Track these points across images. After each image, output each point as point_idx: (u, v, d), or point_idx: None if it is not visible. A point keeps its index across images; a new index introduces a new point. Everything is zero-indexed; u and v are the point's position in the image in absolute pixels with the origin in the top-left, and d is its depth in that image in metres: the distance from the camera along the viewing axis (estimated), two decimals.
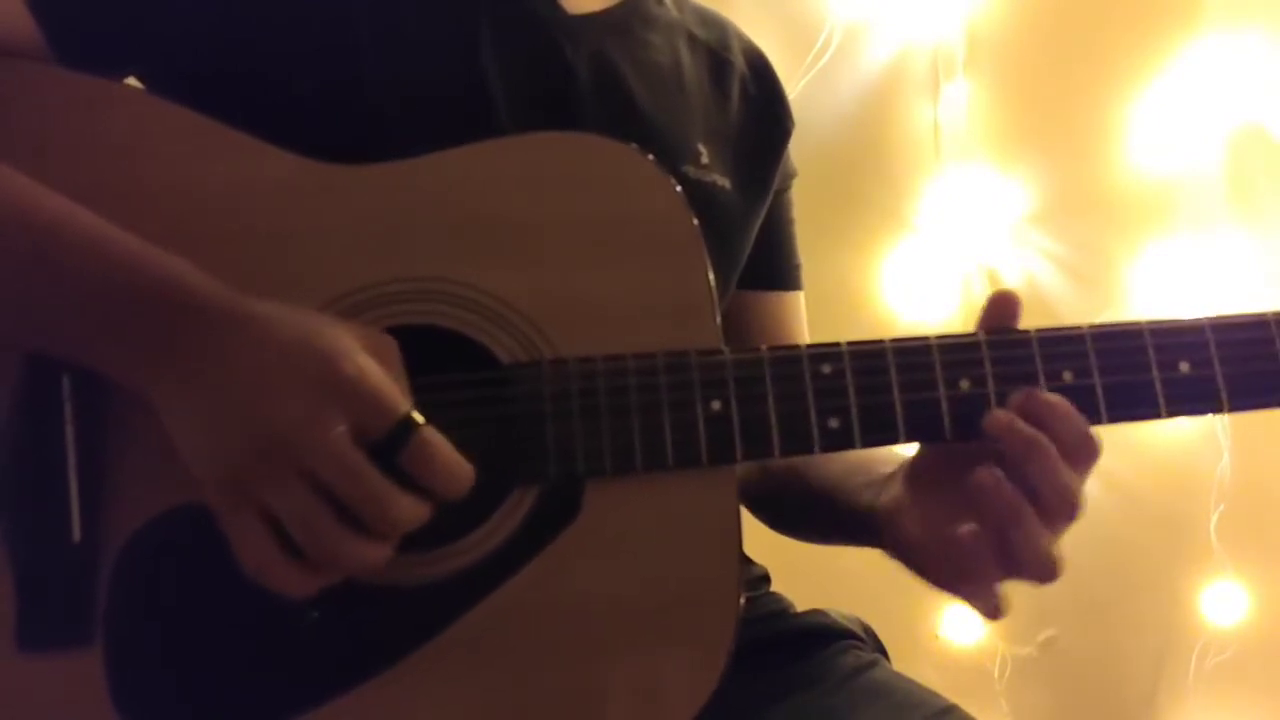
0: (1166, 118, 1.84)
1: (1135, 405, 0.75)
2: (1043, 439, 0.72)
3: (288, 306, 0.70)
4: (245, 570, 0.67)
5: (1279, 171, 1.85)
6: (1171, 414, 0.76)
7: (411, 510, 0.67)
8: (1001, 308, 0.78)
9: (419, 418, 0.67)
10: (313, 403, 0.66)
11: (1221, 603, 1.91)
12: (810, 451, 0.75)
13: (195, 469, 0.69)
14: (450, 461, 0.68)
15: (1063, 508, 0.73)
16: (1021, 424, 0.73)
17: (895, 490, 0.83)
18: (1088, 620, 1.94)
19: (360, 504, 0.66)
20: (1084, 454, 0.73)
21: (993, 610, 0.76)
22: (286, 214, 0.77)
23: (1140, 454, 1.83)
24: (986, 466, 0.73)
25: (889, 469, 0.85)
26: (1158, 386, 0.75)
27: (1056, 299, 1.85)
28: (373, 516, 0.66)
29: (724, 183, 0.95)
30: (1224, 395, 0.76)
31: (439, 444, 0.68)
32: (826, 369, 0.75)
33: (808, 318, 1.11)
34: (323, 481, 0.65)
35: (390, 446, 0.66)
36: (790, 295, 1.10)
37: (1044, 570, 0.73)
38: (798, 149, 1.10)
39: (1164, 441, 1.86)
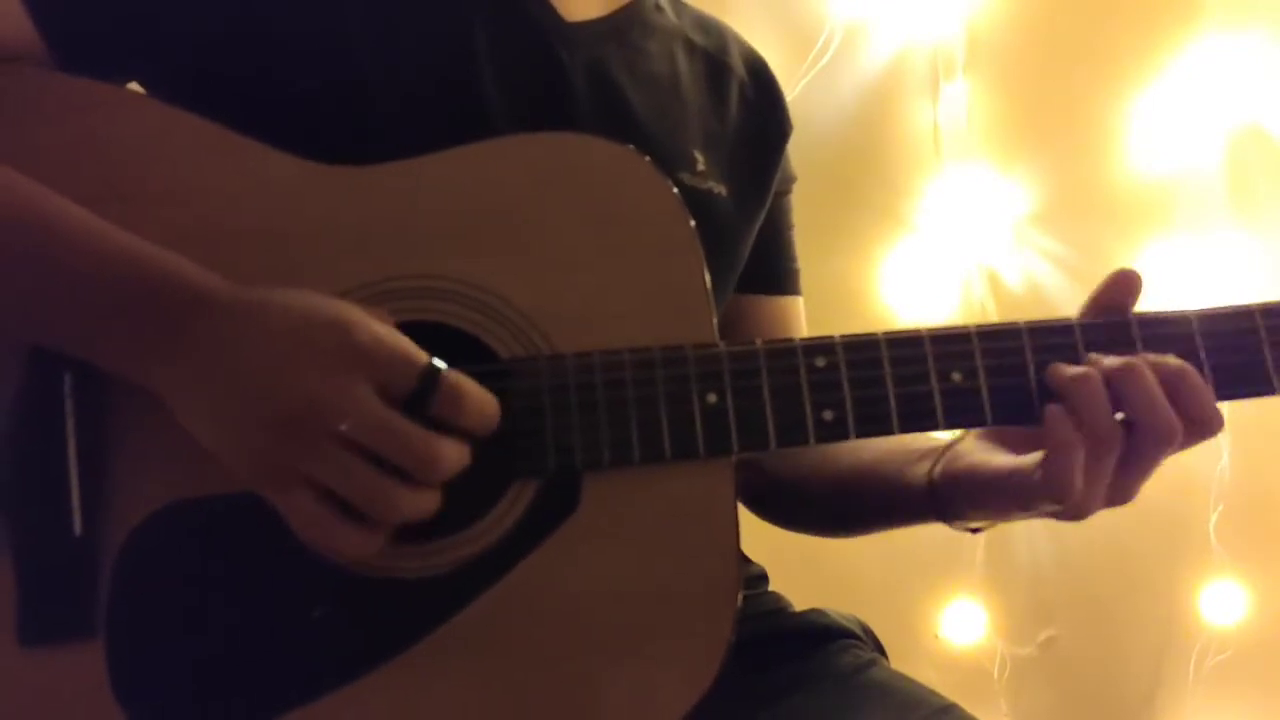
0: (1166, 118, 1.84)
1: None
2: (1137, 362, 0.73)
3: (289, 290, 0.71)
4: (308, 543, 0.69)
5: (1279, 171, 1.85)
6: None
7: (454, 452, 0.69)
8: (1120, 287, 0.78)
9: (440, 364, 0.69)
10: (336, 371, 0.67)
11: (1221, 603, 1.91)
12: (806, 443, 0.76)
13: (226, 457, 0.70)
14: (480, 398, 0.70)
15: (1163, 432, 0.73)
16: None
17: (965, 445, 0.84)
18: (1087, 620, 1.94)
19: (405, 456, 0.67)
20: (1184, 388, 0.74)
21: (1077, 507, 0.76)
22: (286, 215, 0.78)
23: None
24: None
25: (938, 442, 0.86)
26: None
27: (1056, 299, 1.85)
28: (419, 465, 0.68)
29: (720, 190, 0.96)
30: (1212, 385, 0.76)
31: (465, 384, 0.70)
32: (820, 362, 0.76)
33: (808, 317, 1.11)
34: (362, 444, 0.67)
35: (420, 397, 0.68)
36: (788, 299, 1.10)
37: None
38: (798, 149, 1.10)
39: None
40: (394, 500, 0.68)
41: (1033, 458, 0.76)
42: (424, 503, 0.69)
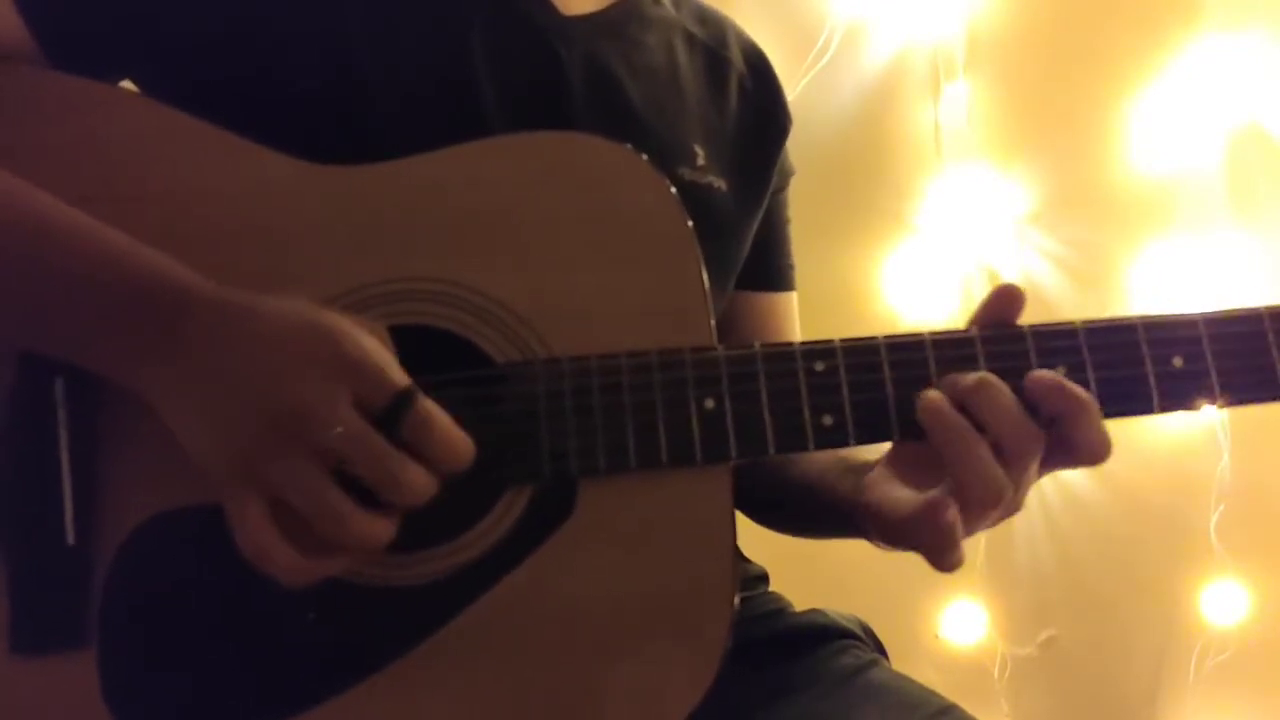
0: (1166, 118, 1.84)
1: (1129, 400, 0.75)
2: (968, 431, 0.72)
3: (281, 296, 0.71)
4: (242, 552, 0.67)
5: (1279, 171, 1.85)
6: (1165, 409, 0.76)
7: (419, 478, 0.68)
8: (1003, 302, 0.77)
9: (418, 391, 0.68)
10: (317, 380, 0.67)
11: (1221, 603, 1.91)
12: (805, 449, 0.75)
13: (201, 459, 0.69)
14: (449, 432, 0.69)
15: (986, 497, 0.72)
16: (949, 413, 0.73)
17: (875, 471, 0.83)
18: (1088, 620, 1.94)
19: (373, 469, 0.67)
20: (1020, 444, 0.73)
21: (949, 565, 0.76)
22: (280, 216, 0.77)
23: (1140, 454, 1.83)
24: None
25: (869, 455, 0.85)
26: (1151, 381, 0.75)
27: (1056, 299, 1.85)
28: (384, 481, 0.67)
29: (720, 184, 0.95)
30: (1217, 389, 0.76)
31: (437, 414, 0.69)
32: (820, 366, 0.75)
33: (809, 318, 1.11)
34: (333, 453, 0.66)
35: (391, 418, 0.67)
36: (783, 296, 1.10)
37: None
38: (798, 149, 1.10)
39: (1164, 441, 1.85)
40: (350, 523, 0.66)
41: (912, 507, 0.76)
42: (377, 530, 0.68)
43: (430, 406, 0.69)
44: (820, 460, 0.93)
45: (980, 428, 0.73)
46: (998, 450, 0.73)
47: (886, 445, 0.82)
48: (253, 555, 0.67)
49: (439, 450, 0.69)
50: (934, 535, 0.74)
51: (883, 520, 0.80)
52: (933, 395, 0.73)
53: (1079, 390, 0.73)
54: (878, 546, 0.85)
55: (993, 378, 0.73)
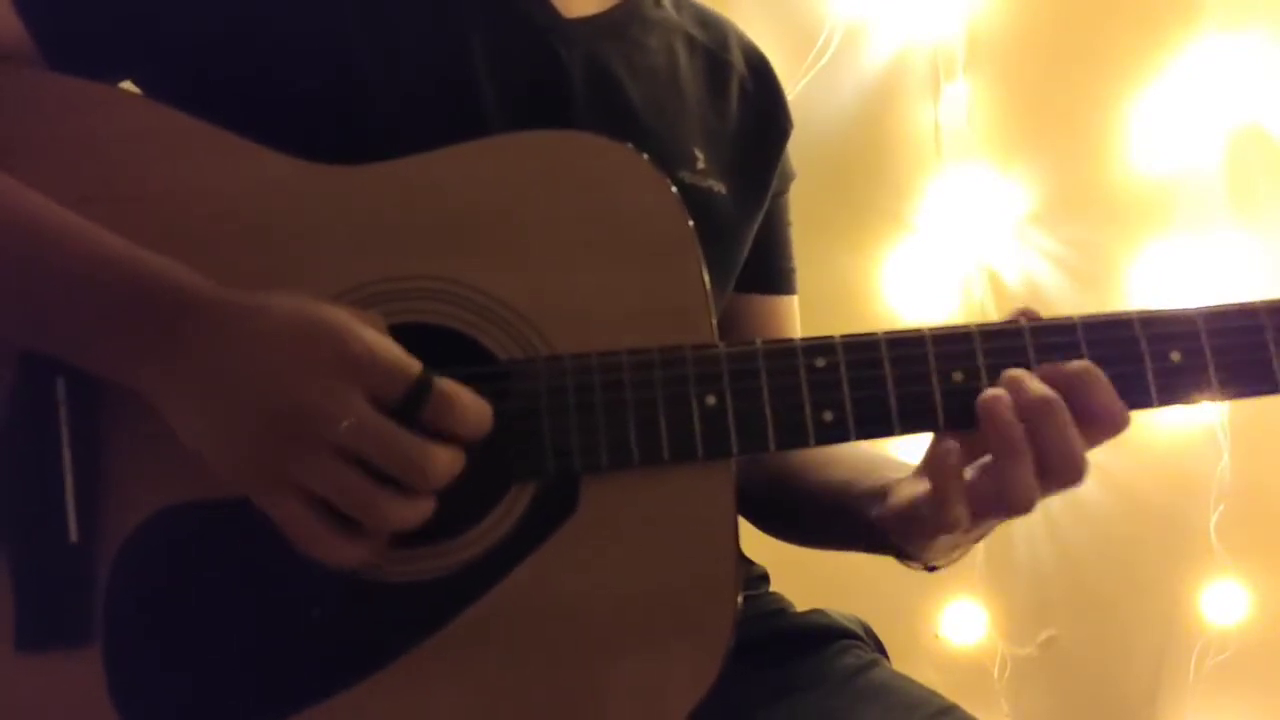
0: (1166, 118, 1.84)
1: (1128, 394, 0.75)
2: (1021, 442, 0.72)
3: (281, 294, 0.71)
4: (300, 549, 0.69)
5: (1279, 171, 1.85)
6: (1164, 403, 0.76)
7: (447, 458, 0.69)
8: None
9: (432, 373, 0.69)
10: (329, 379, 0.67)
11: (1221, 603, 1.91)
12: (806, 445, 0.75)
13: (216, 462, 0.70)
14: (472, 404, 0.70)
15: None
16: (1008, 418, 0.73)
17: (899, 485, 0.83)
18: (1088, 620, 1.94)
19: (397, 462, 0.67)
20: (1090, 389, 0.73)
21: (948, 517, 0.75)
22: (283, 215, 0.77)
23: (1140, 454, 1.83)
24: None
25: (895, 474, 0.85)
26: (1150, 376, 0.76)
27: (1056, 299, 1.85)
28: (411, 471, 0.68)
29: (720, 188, 0.95)
30: (1215, 383, 0.76)
31: (457, 391, 0.70)
32: (820, 362, 0.76)
33: (809, 318, 1.11)
34: (355, 452, 0.67)
35: (411, 405, 0.68)
36: (784, 299, 1.10)
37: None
38: (798, 149, 1.10)
39: (1164, 441, 1.86)
40: (385, 509, 0.68)
41: (921, 489, 0.76)
42: (416, 511, 0.69)
43: (448, 383, 0.69)
44: (842, 474, 0.93)
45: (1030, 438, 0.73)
46: (1040, 469, 0.72)
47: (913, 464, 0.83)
48: (307, 549, 0.69)
49: (465, 424, 0.70)
50: (937, 477, 0.74)
51: (897, 513, 0.80)
52: (995, 393, 0.73)
53: (1075, 364, 0.74)
54: (905, 565, 0.85)
55: (1060, 401, 0.72)
